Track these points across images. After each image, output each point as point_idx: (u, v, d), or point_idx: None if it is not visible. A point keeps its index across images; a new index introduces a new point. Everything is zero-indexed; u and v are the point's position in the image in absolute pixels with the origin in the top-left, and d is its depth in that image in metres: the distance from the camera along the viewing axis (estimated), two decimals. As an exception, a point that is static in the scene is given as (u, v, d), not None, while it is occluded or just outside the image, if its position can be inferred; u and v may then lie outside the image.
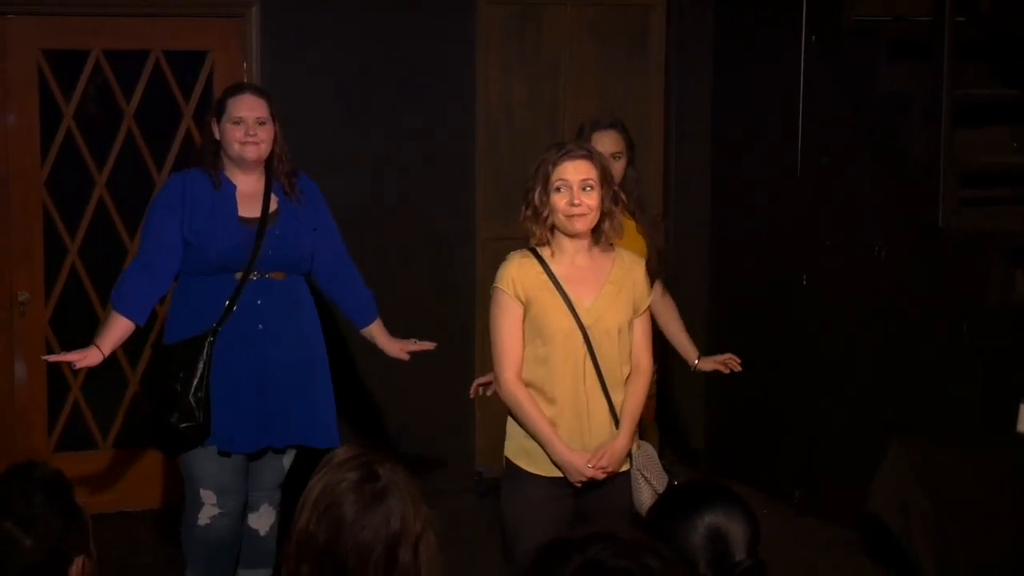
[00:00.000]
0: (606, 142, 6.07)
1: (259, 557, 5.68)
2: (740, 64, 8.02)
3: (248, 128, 5.44)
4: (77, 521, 2.98)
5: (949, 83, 6.65)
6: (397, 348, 5.79)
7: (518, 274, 4.91)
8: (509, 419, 5.04)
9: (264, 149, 5.48)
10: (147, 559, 6.72)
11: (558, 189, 4.85)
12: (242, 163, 5.47)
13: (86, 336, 7.15)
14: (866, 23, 7.28)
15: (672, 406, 8.03)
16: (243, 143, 5.44)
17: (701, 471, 7.90)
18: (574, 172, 4.85)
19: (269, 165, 5.53)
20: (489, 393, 6.05)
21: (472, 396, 5.78)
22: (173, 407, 5.37)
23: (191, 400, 5.37)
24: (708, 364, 6.06)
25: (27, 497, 2.94)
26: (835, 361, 7.31)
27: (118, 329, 5.42)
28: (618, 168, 6.07)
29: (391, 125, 7.56)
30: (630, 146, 6.18)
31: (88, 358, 5.34)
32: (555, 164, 4.86)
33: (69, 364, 5.41)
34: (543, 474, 4.93)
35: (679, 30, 8.15)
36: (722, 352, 6.07)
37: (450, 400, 7.57)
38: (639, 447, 5.10)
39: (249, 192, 5.51)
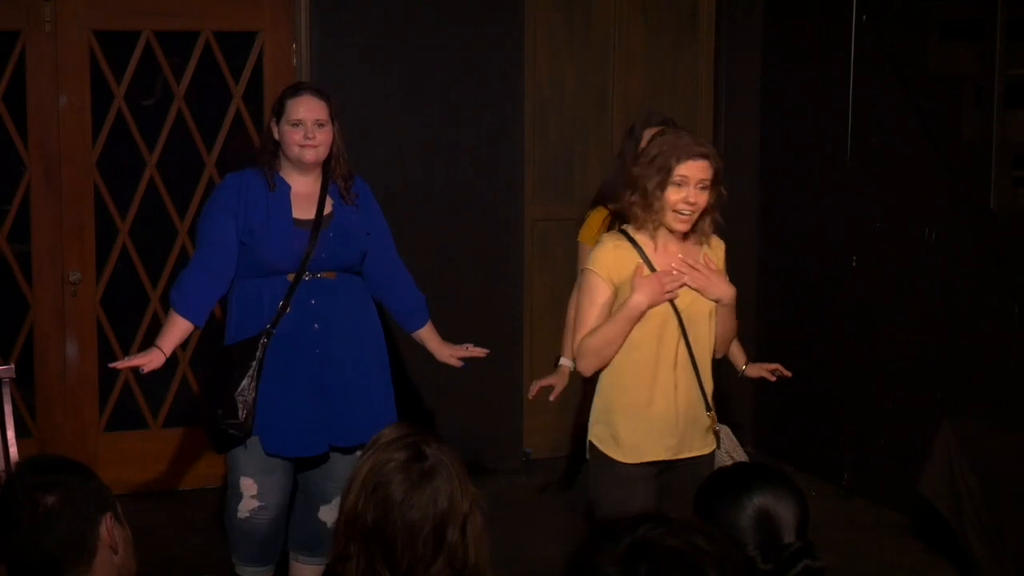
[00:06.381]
0: None
1: (321, 546, 5.68)
2: (790, 45, 7.99)
3: (307, 131, 5.41)
4: (94, 481, 3.03)
5: (1002, 63, 6.61)
6: (448, 354, 5.74)
7: (613, 258, 4.89)
8: (595, 402, 5.01)
9: (322, 152, 5.45)
10: (197, 538, 6.76)
11: (677, 184, 4.84)
12: (300, 165, 5.46)
13: (137, 316, 7.25)
14: (917, 2, 7.22)
15: (722, 389, 8.00)
16: (302, 146, 5.41)
17: (751, 454, 7.88)
18: (695, 170, 4.83)
19: (327, 166, 5.52)
20: (552, 398, 6.04)
21: (531, 397, 5.80)
22: (220, 404, 5.40)
23: (236, 400, 5.38)
24: (755, 371, 6.01)
25: (39, 469, 3.04)
26: (885, 343, 7.29)
27: (178, 330, 5.42)
28: None
29: (440, 107, 7.56)
30: None
31: (153, 361, 5.34)
32: (679, 160, 4.83)
33: (137, 368, 5.41)
34: (630, 461, 4.94)
35: (728, 10, 8.12)
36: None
37: (498, 381, 7.59)
38: (721, 429, 5.13)
39: (304, 193, 5.49)
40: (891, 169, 7.25)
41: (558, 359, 6.07)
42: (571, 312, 6.08)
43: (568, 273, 6.34)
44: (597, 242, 5.04)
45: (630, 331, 4.88)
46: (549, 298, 7.76)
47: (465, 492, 3.01)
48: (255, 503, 5.48)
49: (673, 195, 4.83)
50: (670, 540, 2.31)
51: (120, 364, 5.44)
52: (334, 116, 5.48)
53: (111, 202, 7.29)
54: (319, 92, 5.52)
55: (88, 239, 7.25)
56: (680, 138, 4.93)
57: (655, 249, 4.93)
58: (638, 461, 4.93)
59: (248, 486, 5.47)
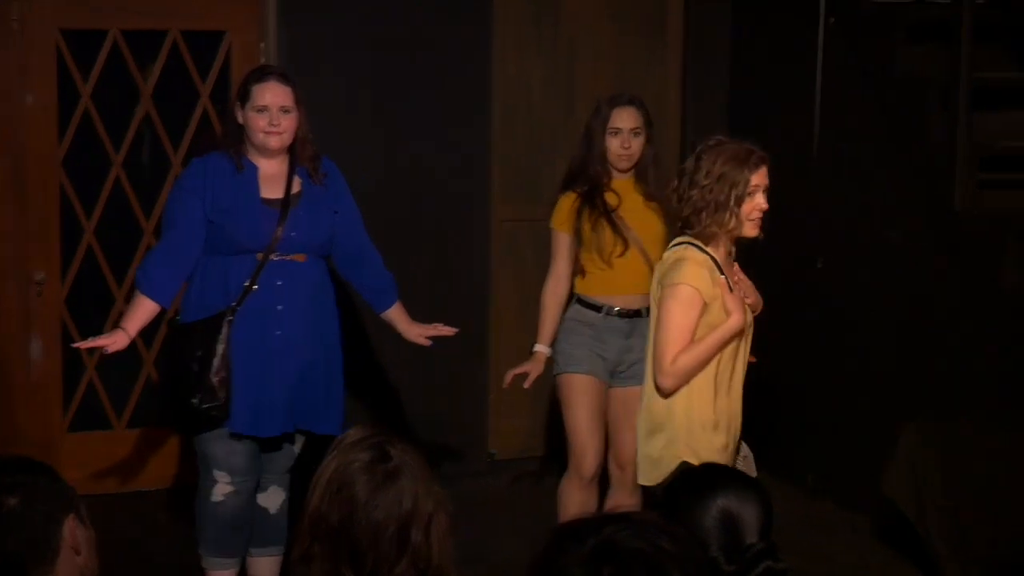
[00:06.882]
0: (626, 118, 6.07)
1: (270, 535, 5.69)
2: (758, 47, 8.00)
3: (272, 117, 5.41)
4: (58, 481, 3.01)
5: (968, 66, 6.64)
6: (416, 332, 5.77)
7: (706, 274, 4.89)
8: (673, 420, 4.95)
9: (287, 138, 5.46)
10: (161, 538, 6.74)
11: (750, 194, 4.89)
12: (265, 151, 5.46)
13: (102, 316, 7.21)
14: (885, 5, 7.25)
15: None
16: (267, 132, 5.41)
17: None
18: (763, 177, 4.92)
19: (292, 149, 5.52)
20: (527, 385, 6.07)
21: (506, 386, 5.83)
22: (194, 388, 5.38)
23: (212, 380, 5.38)
24: None
25: (2, 470, 3.02)
26: (849, 345, 7.30)
27: (143, 311, 5.43)
28: (636, 145, 6.08)
29: (407, 106, 7.55)
30: (649, 123, 6.17)
31: (117, 342, 5.35)
32: (751, 171, 4.89)
33: (101, 349, 5.40)
34: None
35: (697, 12, 8.13)
36: None
37: (464, 382, 7.59)
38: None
39: (272, 174, 5.50)
40: (858, 170, 7.27)
41: (533, 345, 6.11)
42: (547, 299, 6.10)
43: (537, 274, 6.34)
44: (683, 261, 4.92)
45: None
46: (517, 299, 7.75)
47: (429, 493, 3.01)
48: (228, 487, 5.50)
49: (747, 205, 4.89)
50: (634, 541, 2.31)
51: (83, 344, 5.46)
52: (299, 101, 5.48)
53: (77, 202, 7.26)
54: (284, 77, 5.52)
55: (53, 239, 7.22)
56: (733, 148, 4.95)
57: (723, 262, 4.97)
58: None
59: (220, 472, 5.48)
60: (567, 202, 6.10)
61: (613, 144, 6.06)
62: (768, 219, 5.01)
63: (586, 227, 6.04)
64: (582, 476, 6.05)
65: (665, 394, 4.92)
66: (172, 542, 6.61)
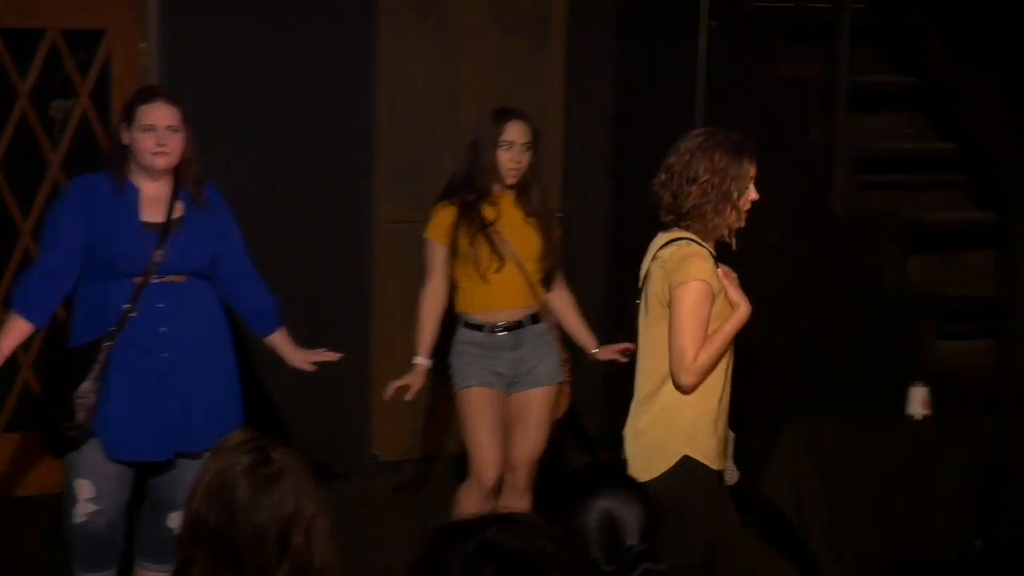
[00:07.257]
0: (519, 132, 6.06)
1: (170, 554, 5.60)
2: (641, 49, 8.04)
3: (159, 137, 5.36)
4: None
5: (846, 69, 6.73)
6: (300, 359, 5.73)
7: (710, 267, 4.89)
8: (680, 415, 4.94)
9: (174, 158, 5.41)
10: (38, 545, 6.63)
11: (747, 186, 4.91)
12: (151, 171, 5.41)
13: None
14: (765, 9, 7.32)
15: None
16: (154, 153, 5.36)
17: (598, 456, 7.92)
18: (755, 167, 4.93)
19: (178, 171, 5.47)
20: (408, 397, 6.07)
21: (388, 398, 5.84)
22: (59, 405, 5.34)
23: (76, 403, 5.33)
24: (606, 353, 6.12)
25: None
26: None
27: (18, 331, 5.40)
28: (526, 160, 6.07)
29: (290, 106, 7.51)
30: (536, 138, 6.17)
31: None
32: (750, 162, 4.90)
33: None
34: (716, 468, 5.02)
35: (580, 15, 8.15)
36: (619, 341, 6.11)
37: (347, 384, 7.55)
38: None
39: (154, 196, 5.44)
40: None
41: (412, 358, 6.10)
42: (424, 311, 6.09)
43: (420, 275, 6.32)
44: (689, 258, 4.91)
45: None
46: (399, 301, 7.71)
47: (311, 496, 3.00)
48: (91, 506, 5.42)
49: (744, 199, 4.92)
50: (516, 542, 2.32)
51: None
52: (186, 120, 5.43)
53: (-48, 204, 7.16)
54: (171, 98, 5.46)
55: (-72, 240, 7.11)
56: (727, 140, 4.95)
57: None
58: (720, 468, 5.05)
59: (83, 488, 5.41)
60: (446, 214, 6.08)
61: (504, 157, 6.04)
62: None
63: (463, 241, 6.03)
64: (483, 486, 6.06)
65: (687, 392, 4.91)
66: (48, 548, 6.51)
